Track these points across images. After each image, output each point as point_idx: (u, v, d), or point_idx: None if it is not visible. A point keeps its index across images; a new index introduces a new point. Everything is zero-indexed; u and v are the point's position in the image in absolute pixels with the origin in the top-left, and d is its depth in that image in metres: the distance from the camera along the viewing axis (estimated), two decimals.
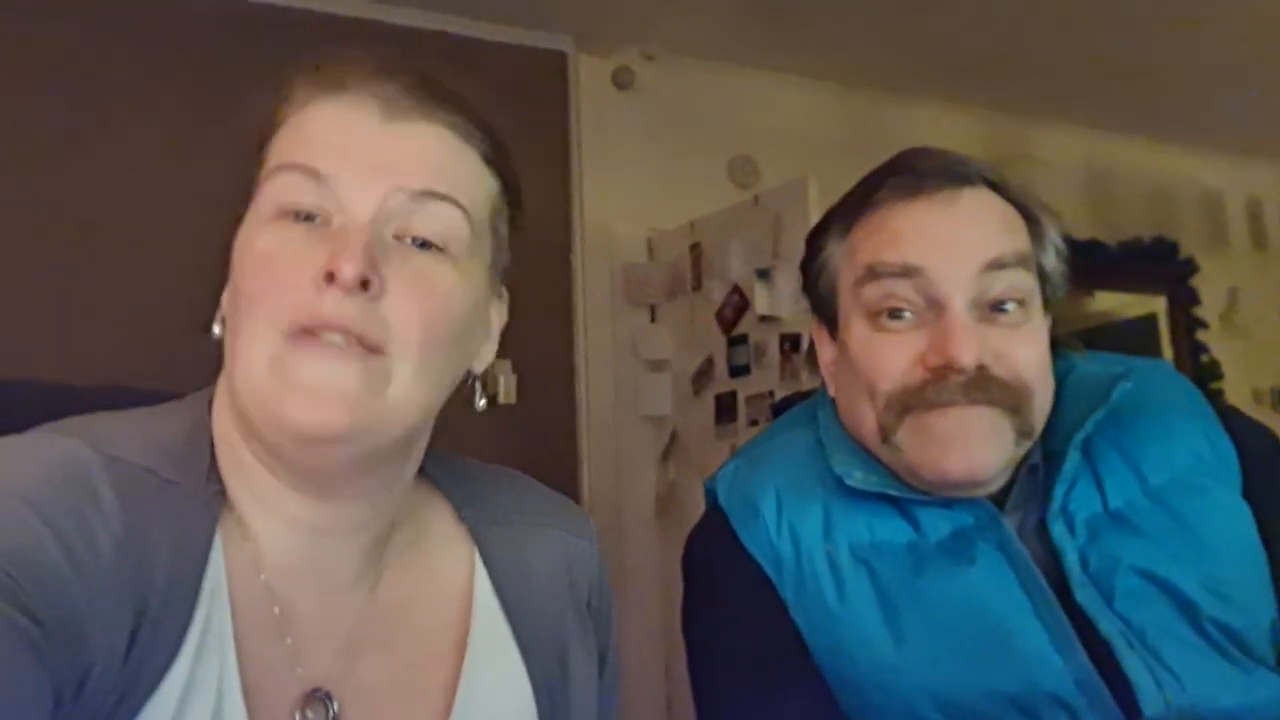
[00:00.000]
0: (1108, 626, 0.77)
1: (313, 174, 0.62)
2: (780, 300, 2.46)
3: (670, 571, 2.65)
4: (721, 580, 0.88)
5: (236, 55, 2.44)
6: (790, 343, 2.45)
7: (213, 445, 0.66)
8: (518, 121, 0.90)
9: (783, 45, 3.00)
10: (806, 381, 2.33)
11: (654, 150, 2.95)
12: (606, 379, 2.83)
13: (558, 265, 2.81)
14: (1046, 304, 0.86)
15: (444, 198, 0.64)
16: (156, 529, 0.59)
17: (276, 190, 0.63)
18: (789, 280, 2.40)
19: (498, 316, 0.74)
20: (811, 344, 0.97)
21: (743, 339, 2.59)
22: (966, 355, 0.78)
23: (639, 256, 2.91)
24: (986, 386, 0.80)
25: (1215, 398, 0.92)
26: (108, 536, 0.56)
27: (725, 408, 2.65)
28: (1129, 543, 0.80)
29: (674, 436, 2.82)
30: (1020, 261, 0.83)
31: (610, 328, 2.86)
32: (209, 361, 0.68)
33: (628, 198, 2.86)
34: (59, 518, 0.55)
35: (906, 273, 0.82)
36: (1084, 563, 0.81)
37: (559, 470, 2.63)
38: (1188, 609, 0.77)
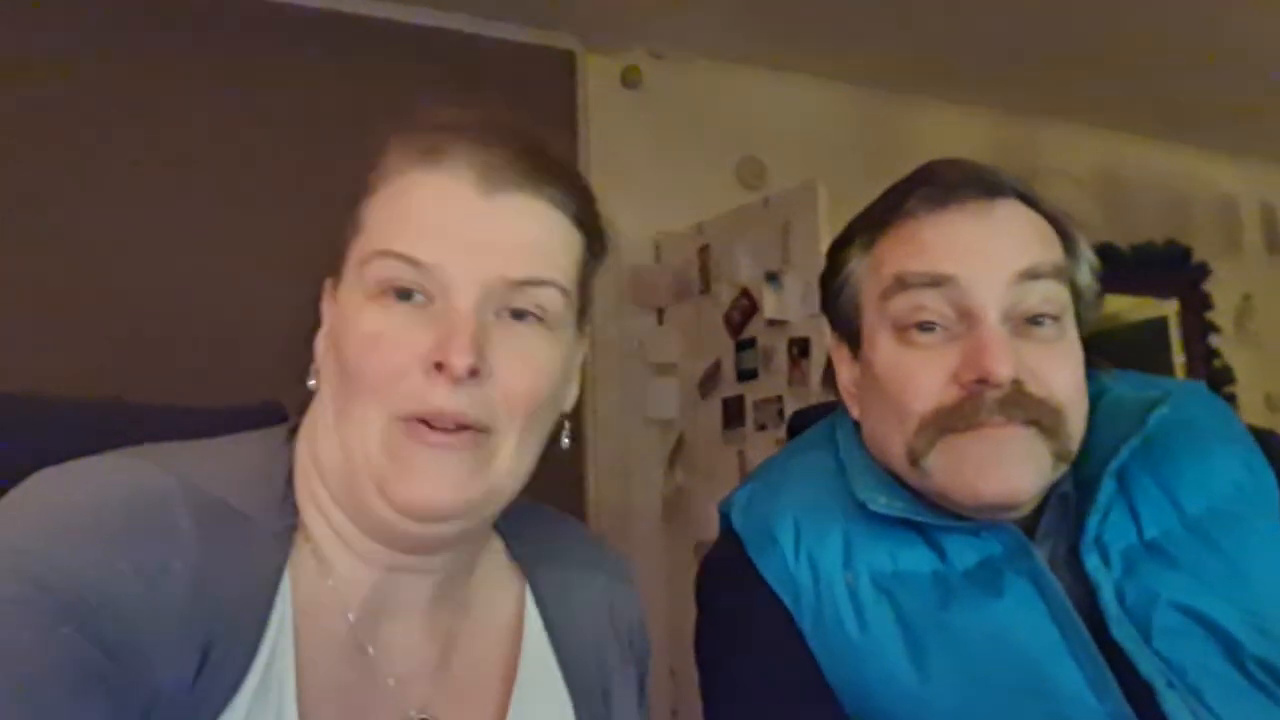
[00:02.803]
0: (1146, 666, 0.73)
1: (413, 263, 0.63)
2: (789, 304, 2.43)
3: (676, 575, 2.65)
4: (736, 609, 0.85)
5: (250, 53, 2.43)
6: (799, 347, 2.42)
7: (291, 479, 0.67)
8: None
9: (792, 45, 2.97)
10: (815, 388, 2.30)
11: (661, 150, 2.92)
12: (613, 382, 2.80)
13: None
14: (1079, 321, 0.83)
15: (544, 283, 0.65)
16: (229, 561, 0.60)
17: (377, 272, 0.64)
18: (798, 284, 2.37)
19: (579, 353, 0.74)
20: (829, 363, 0.93)
21: (751, 343, 2.56)
22: (1004, 368, 0.74)
23: (646, 258, 2.88)
24: (1023, 404, 0.76)
25: (1231, 404, 0.88)
26: (184, 567, 0.57)
27: (733, 412, 2.62)
28: (1167, 576, 0.77)
29: (681, 440, 2.79)
30: (1055, 273, 0.79)
31: (617, 330, 2.82)
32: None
33: (635, 198, 2.82)
34: (138, 548, 0.56)
35: (937, 282, 0.78)
36: (1120, 597, 0.77)
37: (565, 473, 2.60)
38: (1230, 647, 0.74)
